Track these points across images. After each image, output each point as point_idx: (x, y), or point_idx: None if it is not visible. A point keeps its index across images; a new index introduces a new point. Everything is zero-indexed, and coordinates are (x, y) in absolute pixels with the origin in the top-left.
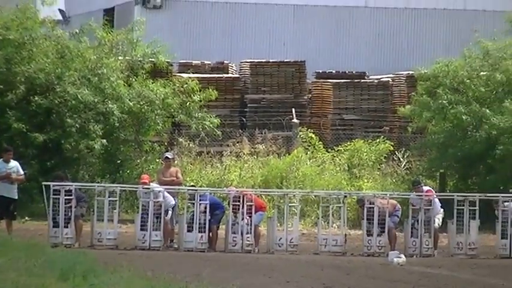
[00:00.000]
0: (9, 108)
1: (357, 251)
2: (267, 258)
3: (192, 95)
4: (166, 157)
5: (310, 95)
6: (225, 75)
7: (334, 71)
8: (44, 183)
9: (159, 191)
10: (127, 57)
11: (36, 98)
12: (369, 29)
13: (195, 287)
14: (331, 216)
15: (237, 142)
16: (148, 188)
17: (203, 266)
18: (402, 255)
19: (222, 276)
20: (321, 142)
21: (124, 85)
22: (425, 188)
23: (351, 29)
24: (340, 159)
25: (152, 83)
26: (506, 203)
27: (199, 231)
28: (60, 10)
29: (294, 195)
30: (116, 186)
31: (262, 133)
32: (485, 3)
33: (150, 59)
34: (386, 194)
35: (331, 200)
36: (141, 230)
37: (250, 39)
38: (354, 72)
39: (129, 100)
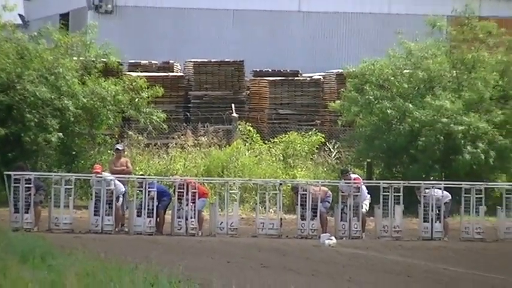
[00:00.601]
0: None
1: (292, 234)
2: (209, 241)
3: (140, 92)
4: (117, 148)
5: (248, 92)
6: (171, 74)
7: (270, 70)
8: (5, 172)
9: (111, 180)
10: (81, 58)
11: None
12: (302, 31)
13: (144, 268)
14: (267, 202)
15: (182, 135)
16: (101, 177)
17: (151, 249)
18: (333, 238)
19: (168, 258)
20: (258, 134)
21: (78, 83)
22: (354, 176)
23: (285, 32)
24: (276, 150)
25: (104, 81)
26: (427, 190)
27: (147, 216)
28: (20, 15)
29: (234, 183)
30: (71, 176)
31: (204, 126)
32: (408, 8)
33: (102, 59)
34: (318, 182)
35: (268, 187)
36: (95, 215)
37: (193, 41)
38: (288, 70)
39: (83, 97)
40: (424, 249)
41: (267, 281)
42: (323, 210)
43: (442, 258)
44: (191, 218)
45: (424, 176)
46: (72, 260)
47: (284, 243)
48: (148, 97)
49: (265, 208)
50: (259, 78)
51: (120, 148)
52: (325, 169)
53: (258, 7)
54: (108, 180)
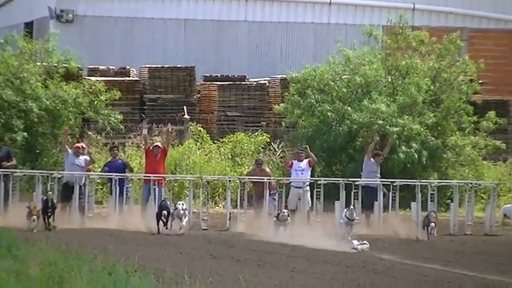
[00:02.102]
0: None
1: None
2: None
3: (99, 95)
4: (82, 146)
5: (199, 95)
6: (127, 79)
7: (219, 75)
8: None
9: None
10: (44, 63)
11: None
12: (248, 39)
13: (102, 258)
14: (217, 198)
15: (137, 135)
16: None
17: (109, 240)
18: (366, 242)
19: (124, 249)
20: (208, 135)
21: (42, 87)
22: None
23: (233, 39)
24: (224, 149)
25: (65, 85)
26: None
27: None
28: None
29: (186, 180)
30: (35, 172)
31: (158, 127)
32: (346, 18)
33: (64, 65)
34: (263, 179)
35: (218, 183)
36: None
37: (148, 48)
38: (235, 75)
39: (46, 99)
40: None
41: (216, 270)
42: (273, 203)
43: (378, 250)
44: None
45: (361, 173)
46: (36, 251)
47: (232, 235)
48: (106, 100)
49: (215, 203)
50: (208, 82)
51: (84, 147)
52: (270, 167)
53: (207, 17)
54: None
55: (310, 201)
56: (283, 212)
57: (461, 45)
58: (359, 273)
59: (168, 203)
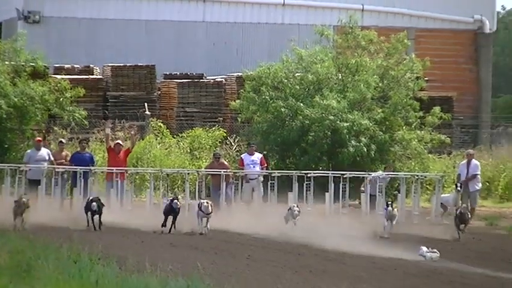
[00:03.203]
0: None
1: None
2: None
3: (64, 93)
4: (61, 141)
5: (159, 92)
6: (91, 77)
7: (178, 73)
8: None
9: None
10: (12, 62)
11: None
12: (206, 39)
13: (67, 247)
14: (176, 189)
15: (101, 130)
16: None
17: (73, 230)
18: (436, 251)
19: (88, 238)
20: (168, 130)
21: (10, 85)
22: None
23: (192, 39)
24: (183, 144)
25: (32, 83)
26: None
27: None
28: None
29: (147, 173)
30: (4, 166)
31: (121, 123)
32: (299, 19)
33: (31, 64)
34: (220, 171)
35: (177, 176)
36: None
37: (110, 48)
38: (194, 73)
39: (14, 97)
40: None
41: (175, 258)
42: (229, 193)
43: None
44: None
45: (313, 166)
46: (5, 240)
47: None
48: (71, 97)
49: (174, 194)
50: (168, 80)
51: (63, 141)
52: (227, 160)
53: (167, 17)
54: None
55: (262, 192)
56: (294, 207)
57: (408, 44)
58: (311, 261)
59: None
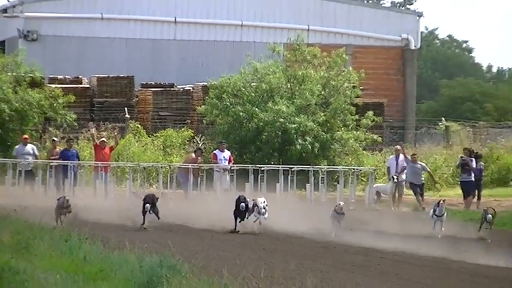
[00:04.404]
0: None
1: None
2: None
3: (57, 99)
4: (53, 140)
5: (137, 99)
6: (80, 86)
7: (153, 83)
8: None
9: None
10: (14, 74)
11: None
12: (177, 54)
13: (60, 229)
14: (151, 181)
15: (88, 131)
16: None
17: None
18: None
19: (77, 222)
20: (144, 130)
21: (12, 92)
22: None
23: (165, 54)
24: (157, 142)
25: (31, 91)
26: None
27: None
28: None
29: (127, 166)
30: (7, 160)
31: (105, 124)
32: (255, 37)
33: (29, 75)
34: (189, 165)
35: (152, 169)
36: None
37: (97, 61)
38: (166, 83)
39: (15, 102)
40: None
41: (151, 238)
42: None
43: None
44: None
45: (266, 161)
46: (7, 223)
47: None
48: (63, 102)
49: (150, 185)
50: (145, 89)
51: (56, 140)
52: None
53: (144, 36)
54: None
55: (229, 183)
56: (339, 204)
57: (346, 59)
58: (264, 241)
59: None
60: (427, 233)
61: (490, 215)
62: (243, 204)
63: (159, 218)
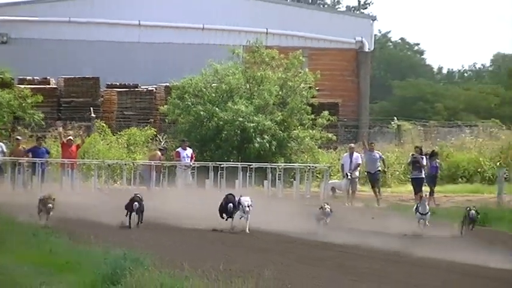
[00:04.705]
0: None
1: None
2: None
3: (26, 99)
4: (17, 138)
5: (102, 99)
6: (48, 86)
7: (118, 83)
8: None
9: None
10: None
11: None
12: (142, 56)
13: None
14: (116, 177)
15: (55, 129)
16: None
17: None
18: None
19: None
20: (109, 129)
21: None
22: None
23: (129, 56)
24: (121, 140)
25: (1, 91)
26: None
27: None
28: None
29: (93, 163)
30: None
31: (71, 123)
32: (216, 40)
33: (0, 76)
34: (151, 162)
35: (116, 166)
36: None
37: (64, 63)
38: (131, 84)
39: None
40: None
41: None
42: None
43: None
44: None
45: (226, 158)
46: None
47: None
48: (31, 102)
49: (114, 181)
50: (110, 89)
51: (19, 138)
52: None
53: (109, 39)
54: None
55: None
56: (325, 206)
57: (303, 61)
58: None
59: (235, 197)
60: (382, 227)
61: (473, 212)
62: (230, 204)
63: (141, 222)
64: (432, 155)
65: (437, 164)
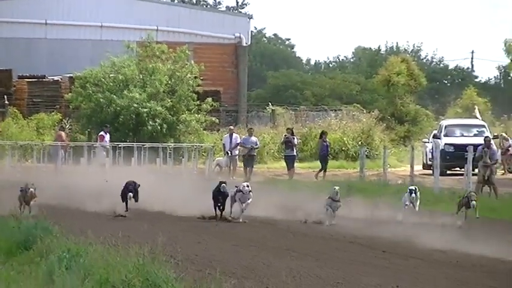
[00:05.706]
0: None
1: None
2: None
3: None
4: None
5: (15, 88)
6: None
7: (28, 74)
8: None
9: None
10: None
11: None
12: (48, 50)
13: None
14: (27, 156)
15: None
16: None
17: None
18: None
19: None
20: (21, 114)
21: None
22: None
23: (37, 51)
24: (32, 124)
25: None
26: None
27: None
28: None
29: (6, 145)
30: None
31: None
32: (113, 36)
33: None
34: (58, 143)
35: (28, 146)
36: None
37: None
38: (39, 75)
39: None
40: None
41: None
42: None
43: None
44: None
45: (123, 139)
46: None
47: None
48: None
49: (26, 160)
50: (21, 79)
51: None
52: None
53: (20, 36)
54: None
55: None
56: (335, 189)
57: (189, 54)
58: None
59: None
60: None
61: (474, 202)
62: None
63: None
64: (322, 135)
65: (327, 143)
